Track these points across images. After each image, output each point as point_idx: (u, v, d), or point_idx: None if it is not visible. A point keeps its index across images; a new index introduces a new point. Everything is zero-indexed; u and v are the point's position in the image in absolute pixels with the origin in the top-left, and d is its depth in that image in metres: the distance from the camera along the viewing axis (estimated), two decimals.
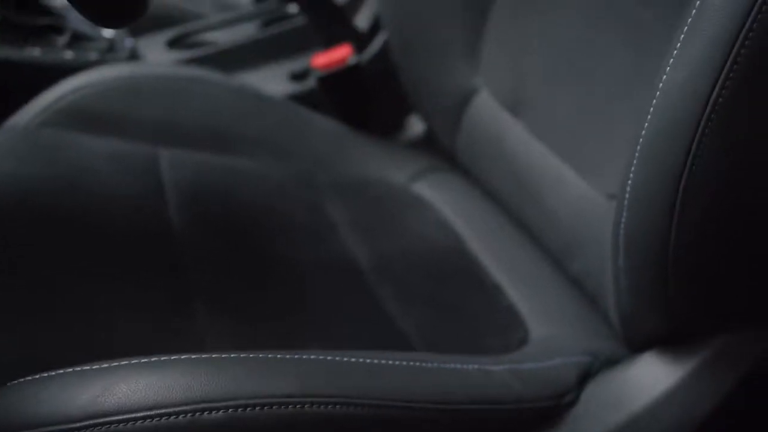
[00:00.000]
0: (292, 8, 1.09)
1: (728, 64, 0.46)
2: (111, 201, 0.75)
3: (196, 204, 0.78)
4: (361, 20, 1.04)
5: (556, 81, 0.76)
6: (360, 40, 1.01)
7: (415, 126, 1.07)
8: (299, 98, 1.02)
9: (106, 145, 0.81)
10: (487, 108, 0.84)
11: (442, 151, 0.95)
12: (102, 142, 0.81)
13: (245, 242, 0.76)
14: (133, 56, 1.05)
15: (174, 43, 1.11)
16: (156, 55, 1.08)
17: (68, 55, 1.00)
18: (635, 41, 0.66)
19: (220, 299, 0.68)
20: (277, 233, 0.78)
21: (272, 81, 1.05)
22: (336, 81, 1.00)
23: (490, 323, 0.74)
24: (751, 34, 0.45)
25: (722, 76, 0.46)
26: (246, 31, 1.13)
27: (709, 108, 0.47)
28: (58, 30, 1.02)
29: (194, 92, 0.92)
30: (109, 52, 1.02)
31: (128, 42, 1.06)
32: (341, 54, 0.99)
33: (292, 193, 0.85)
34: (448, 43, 0.86)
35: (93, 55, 1.01)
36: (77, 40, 1.03)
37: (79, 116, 0.85)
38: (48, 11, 1.02)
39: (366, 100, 1.02)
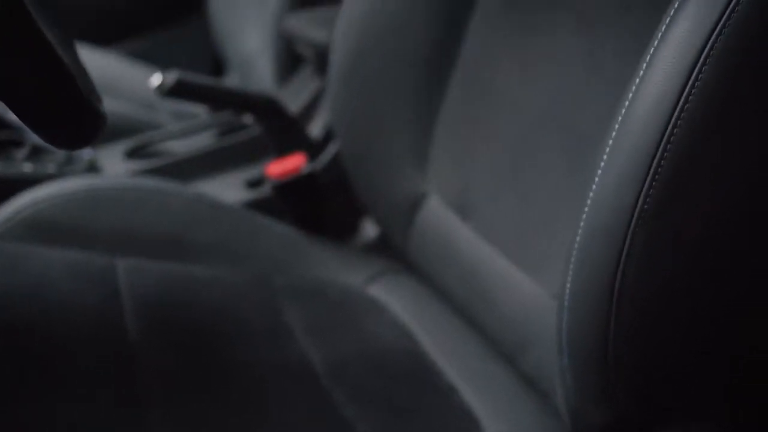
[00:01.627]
0: (247, 118, 1.13)
1: (650, 175, 0.50)
2: (67, 311, 0.76)
3: (153, 312, 0.79)
4: (315, 129, 1.08)
5: (500, 185, 0.79)
6: (313, 149, 1.05)
7: (369, 229, 1.10)
8: (255, 205, 1.04)
9: (64, 256, 0.82)
10: (436, 212, 0.88)
11: (395, 253, 0.98)
12: (60, 254, 0.83)
13: (202, 348, 0.78)
14: (92, 168, 1.07)
15: (132, 154, 1.14)
16: (114, 166, 1.10)
17: (27, 168, 1.02)
18: (572, 149, 0.71)
19: (177, 407, 0.69)
20: (235, 338, 0.80)
21: (228, 189, 1.08)
22: (291, 189, 1.03)
23: (446, 425, 0.75)
24: (669, 146, 0.49)
25: (645, 187, 0.50)
26: (202, 141, 1.17)
27: (635, 217, 0.50)
28: (18, 143, 1.04)
29: (151, 202, 0.94)
30: (68, 165, 1.05)
31: (86, 154, 1.08)
32: (295, 163, 1.03)
33: (248, 298, 0.87)
34: (397, 151, 0.90)
35: (51, 168, 1.03)
36: (36, 153, 1.05)
37: (38, 228, 0.87)
38: (7, 125, 1.05)
39: (320, 206, 1.05)
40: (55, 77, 0.53)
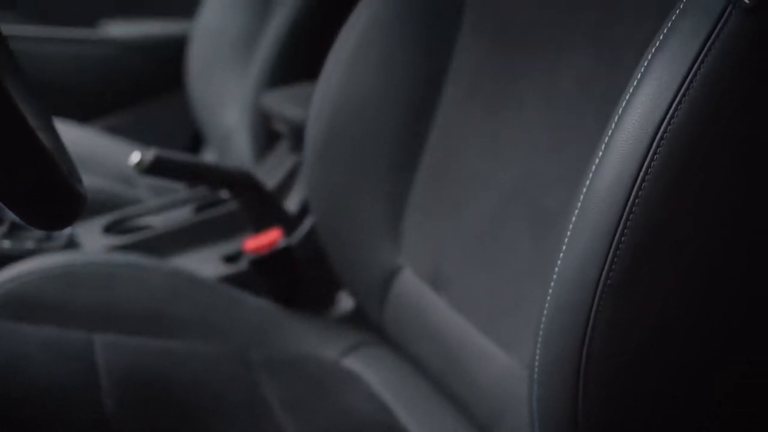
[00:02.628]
0: (225, 193, 1.15)
1: (611, 252, 0.52)
2: (44, 388, 0.76)
3: (130, 388, 0.79)
4: (291, 204, 1.10)
5: (471, 259, 0.81)
6: (290, 223, 1.07)
7: (345, 302, 1.11)
8: (232, 280, 1.06)
9: (42, 333, 0.83)
10: (410, 284, 0.89)
11: (371, 325, 0.99)
12: (37, 330, 0.83)
13: (179, 423, 0.78)
14: (71, 244, 1.08)
15: (110, 229, 1.15)
16: (92, 242, 1.11)
17: (5, 244, 1.03)
18: (538, 225, 0.73)
19: None
20: (212, 413, 0.80)
21: (205, 264, 1.09)
22: (267, 263, 1.04)
23: None
24: (628, 224, 0.52)
25: (607, 264, 0.52)
26: (180, 216, 1.18)
27: (598, 293, 0.52)
28: None
29: (129, 278, 0.95)
30: (46, 241, 1.06)
31: (65, 230, 1.09)
32: (272, 237, 1.04)
33: (225, 372, 0.88)
34: (371, 225, 0.92)
35: (30, 244, 1.04)
36: (15, 229, 1.06)
37: (16, 305, 0.88)
38: None
39: (297, 280, 1.06)
40: (35, 160, 0.54)
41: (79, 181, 0.59)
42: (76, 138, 1.39)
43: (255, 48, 1.48)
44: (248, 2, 1.56)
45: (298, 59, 1.30)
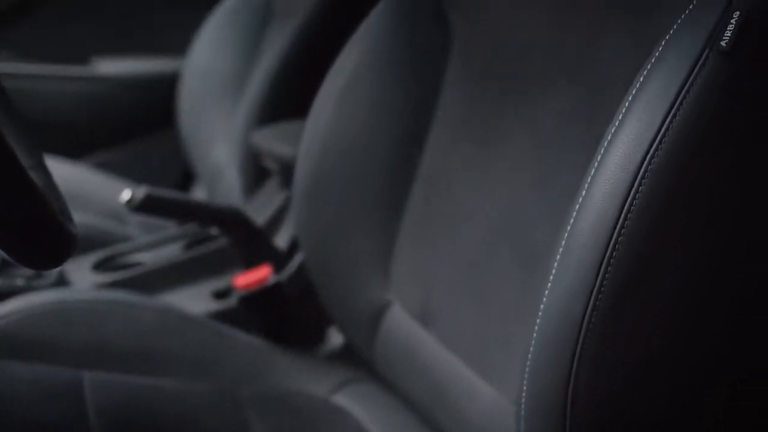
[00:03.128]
0: (215, 230, 1.16)
1: (596, 288, 0.53)
2: (34, 427, 0.76)
3: (119, 426, 0.79)
4: (280, 241, 1.11)
5: (459, 294, 0.82)
6: (279, 260, 1.08)
7: (335, 338, 1.12)
8: (222, 316, 1.06)
9: (31, 371, 0.83)
10: (399, 321, 0.90)
11: (361, 362, 0.99)
12: (27, 368, 0.83)
13: None
14: (60, 281, 1.08)
15: (100, 266, 1.15)
16: (82, 279, 1.12)
17: None
18: (526, 261, 0.74)
19: None
20: None
21: (195, 300, 1.10)
22: (257, 299, 1.05)
23: None
24: (612, 261, 0.52)
25: (591, 300, 0.53)
26: (170, 253, 1.19)
27: (584, 328, 0.53)
28: None
29: (119, 315, 0.96)
30: (36, 279, 1.06)
31: None
32: (262, 274, 1.05)
33: (215, 410, 0.88)
34: (360, 261, 0.93)
35: (20, 282, 1.04)
36: (5, 267, 1.06)
37: (5, 343, 0.88)
38: None
39: (286, 316, 1.07)
40: (26, 199, 0.55)
41: (71, 220, 0.60)
42: (67, 174, 1.39)
43: (245, 86, 1.49)
44: (238, 41, 1.58)
45: (288, 97, 1.31)
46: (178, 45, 1.73)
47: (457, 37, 0.86)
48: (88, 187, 1.45)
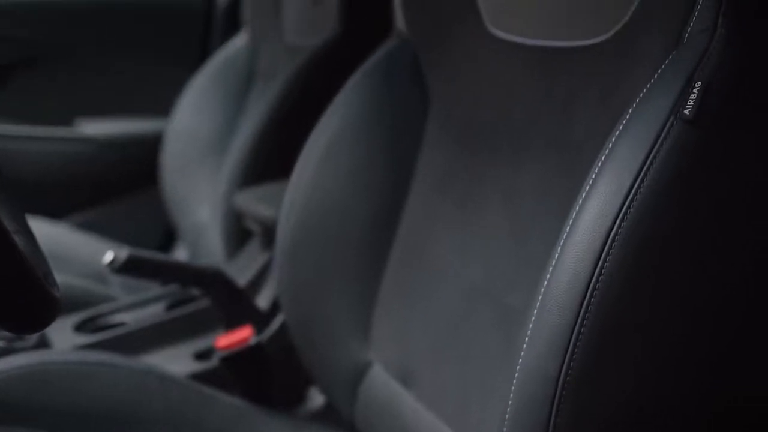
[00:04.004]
0: (196, 290, 1.16)
1: (569, 349, 0.54)
2: None
3: None
4: (262, 301, 1.12)
5: (439, 354, 0.83)
6: (261, 320, 1.08)
7: (316, 398, 1.12)
8: (203, 377, 1.06)
9: None
10: (380, 380, 0.90)
11: (342, 422, 0.99)
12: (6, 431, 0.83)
13: None
14: (41, 343, 1.08)
15: (81, 327, 1.15)
16: (63, 341, 1.12)
17: None
18: (503, 321, 0.75)
19: None
20: None
21: (177, 361, 1.10)
22: (238, 360, 1.05)
23: None
24: (585, 323, 0.54)
25: (566, 360, 0.54)
26: (152, 313, 1.19)
27: (559, 387, 0.54)
28: None
29: (100, 377, 0.95)
30: (17, 341, 1.06)
31: None
32: (243, 335, 1.06)
33: None
34: (341, 322, 0.93)
35: (0, 344, 1.04)
36: None
37: None
38: None
39: (268, 377, 1.07)
40: (10, 264, 0.55)
41: (54, 284, 0.61)
42: (49, 235, 1.40)
43: (228, 147, 1.51)
44: (222, 101, 1.61)
45: (270, 159, 1.33)
46: (163, 106, 1.75)
47: (436, 101, 0.89)
48: (70, 247, 1.45)
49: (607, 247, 0.54)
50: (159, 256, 1.10)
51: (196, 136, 1.59)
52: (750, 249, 0.58)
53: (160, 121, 1.75)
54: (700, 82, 0.56)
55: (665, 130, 0.55)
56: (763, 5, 0.58)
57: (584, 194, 0.58)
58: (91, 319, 1.17)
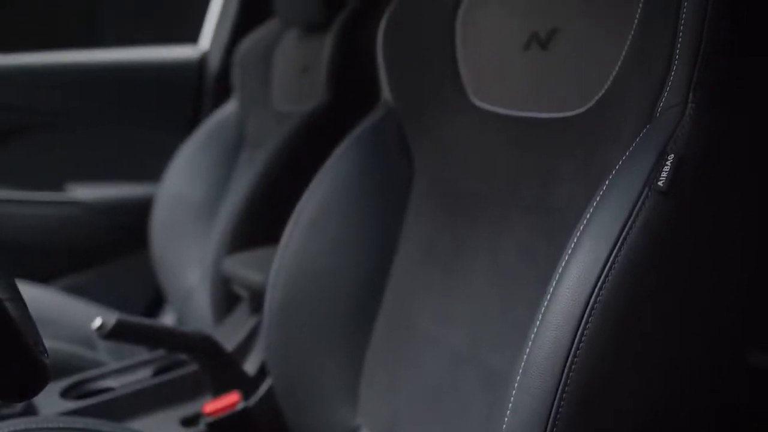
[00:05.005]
0: (184, 355, 1.16)
1: (552, 414, 0.55)
2: None
3: None
4: (250, 366, 1.12)
5: (425, 418, 0.84)
6: (248, 386, 1.08)
7: None
8: None
9: None
10: None
11: None
12: None
13: None
14: (28, 409, 1.07)
15: (68, 392, 1.15)
16: (50, 406, 1.11)
17: None
18: (489, 386, 0.76)
19: None
20: None
21: (164, 427, 1.09)
22: (225, 426, 1.05)
23: None
24: (566, 389, 0.55)
25: (549, 424, 0.55)
26: (139, 378, 1.19)
27: None
28: None
29: None
30: (3, 407, 1.05)
31: None
32: (230, 400, 1.06)
33: None
34: (328, 387, 0.94)
35: None
36: None
37: None
38: None
39: None
40: (3, 334, 0.56)
41: (45, 352, 0.61)
42: (37, 299, 1.40)
43: (217, 212, 1.53)
44: (211, 167, 1.63)
45: (259, 224, 1.35)
46: (153, 171, 1.77)
47: (420, 168, 0.91)
48: (57, 311, 1.45)
49: (586, 314, 0.56)
50: (147, 321, 1.10)
51: (186, 201, 1.61)
52: (726, 307, 0.60)
53: (150, 186, 1.77)
54: (672, 155, 0.58)
55: (640, 202, 0.57)
56: (730, 82, 0.61)
57: (564, 262, 0.59)
58: (78, 385, 1.17)
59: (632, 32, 0.68)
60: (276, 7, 1.53)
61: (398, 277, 0.91)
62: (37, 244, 1.76)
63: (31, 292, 1.19)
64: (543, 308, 0.59)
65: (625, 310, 0.57)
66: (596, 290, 0.56)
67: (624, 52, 0.68)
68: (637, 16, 0.67)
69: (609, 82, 0.68)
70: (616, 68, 0.68)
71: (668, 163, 0.57)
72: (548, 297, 0.59)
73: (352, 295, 0.92)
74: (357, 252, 0.92)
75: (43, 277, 1.67)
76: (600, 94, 0.69)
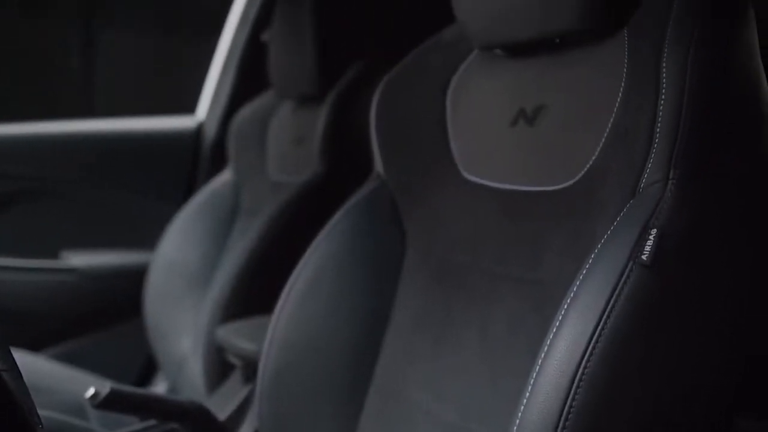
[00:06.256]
0: (177, 425, 1.16)
1: None
2: None
3: None
4: None
5: None
6: None
7: None
8: None
9: None
10: None
11: None
12: None
13: None
14: None
15: None
16: None
17: None
18: None
19: None
20: None
21: None
22: None
23: None
24: None
25: None
26: None
27: None
28: None
29: None
30: None
31: None
32: None
33: None
34: None
35: None
36: None
37: None
38: None
39: None
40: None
41: (39, 422, 0.61)
42: (29, 367, 1.40)
43: (211, 281, 1.54)
44: (206, 235, 1.65)
45: (253, 293, 1.36)
46: (148, 239, 1.78)
47: (412, 239, 0.93)
48: (50, 380, 1.45)
49: (574, 386, 0.57)
50: (140, 390, 1.10)
51: (180, 269, 1.62)
52: (714, 374, 0.61)
53: (145, 254, 1.78)
54: (655, 230, 0.60)
55: (625, 275, 0.59)
56: (709, 159, 0.63)
57: (552, 335, 0.61)
58: None
59: (615, 109, 0.70)
60: (272, 80, 1.57)
61: (390, 347, 0.92)
62: (31, 312, 1.76)
63: (23, 360, 1.18)
64: (532, 380, 0.60)
65: (613, 381, 0.58)
66: (583, 362, 0.57)
67: (608, 128, 0.70)
68: (620, 93, 0.70)
69: (594, 158, 0.70)
70: (601, 144, 0.70)
71: (651, 237, 0.59)
72: (537, 369, 0.60)
73: (345, 365, 0.93)
74: (349, 322, 0.93)
75: (36, 344, 1.67)
76: (585, 169, 0.71)
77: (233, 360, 1.24)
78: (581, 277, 0.62)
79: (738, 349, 0.64)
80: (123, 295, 1.81)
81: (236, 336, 1.22)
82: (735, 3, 0.66)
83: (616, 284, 0.58)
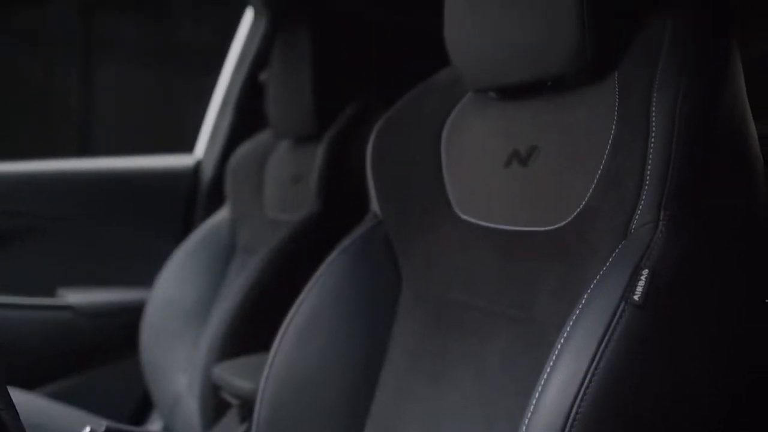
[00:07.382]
0: None
1: None
2: None
3: None
4: None
5: None
6: None
7: None
8: None
9: None
10: None
11: None
12: None
13: None
14: None
15: None
16: None
17: None
18: None
19: None
20: None
21: None
22: None
23: None
24: None
25: None
26: None
27: None
28: None
29: None
30: None
31: None
32: None
33: None
34: None
35: None
36: None
37: None
38: None
39: None
40: None
41: None
42: (24, 405, 1.39)
43: (207, 319, 1.54)
44: (203, 274, 1.65)
45: (249, 332, 1.36)
46: (145, 277, 1.79)
47: (407, 278, 0.94)
48: (45, 418, 1.44)
49: (568, 426, 0.58)
50: (136, 429, 1.10)
51: (177, 307, 1.62)
52: (709, 411, 0.62)
53: (142, 291, 1.78)
54: (646, 270, 0.61)
55: (617, 316, 0.60)
56: (699, 199, 0.64)
57: (546, 375, 0.61)
58: None
59: (607, 151, 0.71)
60: (269, 119, 1.58)
61: (386, 385, 0.93)
62: (26, 349, 1.76)
63: (19, 398, 1.18)
64: (526, 420, 0.61)
65: (606, 421, 0.58)
66: (577, 402, 0.58)
67: (600, 170, 0.72)
68: (611, 135, 0.71)
69: (586, 199, 0.71)
70: (593, 185, 0.72)
71: (642, 278, 0.60)
72: (531, 409, 0.61)
73: (341, 403, 0.93)
74: (346, 360, 0.94)
75: (31, 381, 1.66)
76: (577, 211, 0.72)
77: (229, 399, 1.24)
78: (574, 318, 0.62)
79: (733, 380, 0.64)
80: (119, 333, 1.81)
81: (233, 374, 1.22)
82: (723, 48, 0.68)
83: (608, 325, 0.59)
